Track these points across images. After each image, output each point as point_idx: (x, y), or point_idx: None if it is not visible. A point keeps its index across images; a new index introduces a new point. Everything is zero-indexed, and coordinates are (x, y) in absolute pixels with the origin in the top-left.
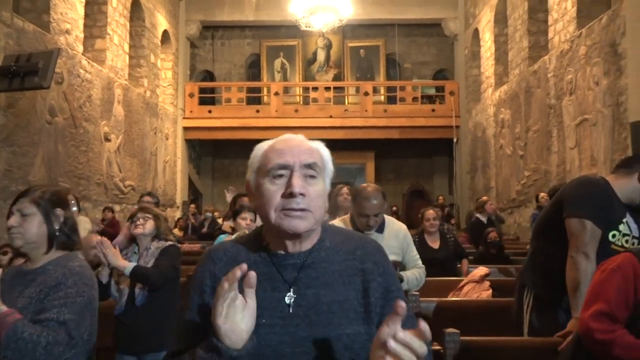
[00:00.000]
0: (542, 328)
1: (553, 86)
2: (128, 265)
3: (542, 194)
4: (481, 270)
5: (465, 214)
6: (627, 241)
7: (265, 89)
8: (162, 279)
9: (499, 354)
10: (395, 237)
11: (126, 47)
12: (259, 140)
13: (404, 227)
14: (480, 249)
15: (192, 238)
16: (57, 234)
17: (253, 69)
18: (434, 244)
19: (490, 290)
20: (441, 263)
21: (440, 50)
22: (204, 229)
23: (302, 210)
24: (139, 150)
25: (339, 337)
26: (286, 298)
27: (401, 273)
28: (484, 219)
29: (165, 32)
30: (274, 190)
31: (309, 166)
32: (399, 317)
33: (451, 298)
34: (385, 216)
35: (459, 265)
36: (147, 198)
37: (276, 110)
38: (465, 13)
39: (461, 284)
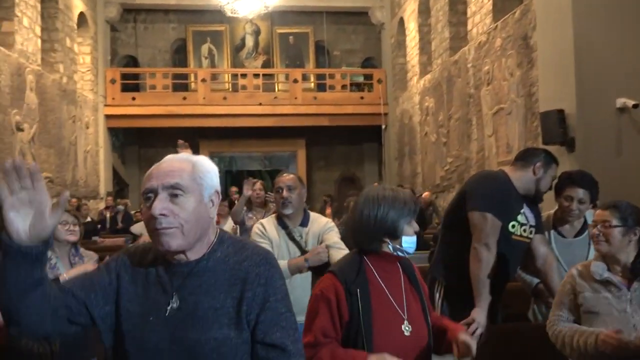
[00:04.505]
0: (452, 319)
1: (472, 76)
2: None
3: None
4: None
5: None
6: (524, 230)
7: (192, 76)
8: None
9: None
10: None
11: (38, 30)
12: (186, 128)
13: (329, 221)
14: None
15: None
16: None
17: (179, 55)
18: None
19: None
20: None
21: (367, 38)
22: (119, 225)
23: (165, 228)
24: (56, 140)
25: (207, 340)
26: (170, 302)
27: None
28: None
29: (81, 15)
30: (146, 212)
31: (172, 187)
32: None
33: None
34: (311, 213)
35: None
36: None
37: (204, 98)
38: (391, 2)
39: None
